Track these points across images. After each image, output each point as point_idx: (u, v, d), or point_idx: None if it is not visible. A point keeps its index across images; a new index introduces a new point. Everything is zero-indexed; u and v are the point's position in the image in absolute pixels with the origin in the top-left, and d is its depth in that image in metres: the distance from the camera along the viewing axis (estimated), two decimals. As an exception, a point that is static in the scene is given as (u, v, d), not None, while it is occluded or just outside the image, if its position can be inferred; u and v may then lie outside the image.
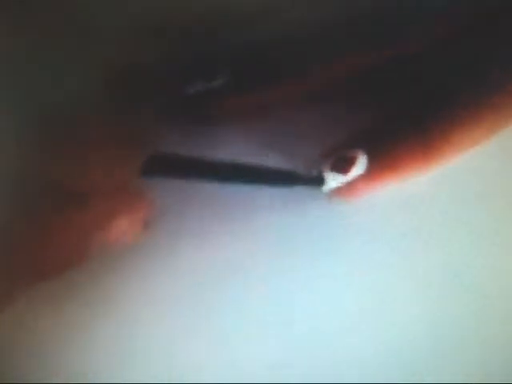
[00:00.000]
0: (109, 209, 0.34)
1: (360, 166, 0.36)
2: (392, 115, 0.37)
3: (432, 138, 0.36)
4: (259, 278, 0.37)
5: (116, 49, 0.37)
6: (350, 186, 0.36)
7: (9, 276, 0.33)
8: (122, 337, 0.36)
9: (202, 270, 0.37)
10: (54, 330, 0.36)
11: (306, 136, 0.38)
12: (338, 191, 0.37)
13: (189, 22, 0.37)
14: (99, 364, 0.36)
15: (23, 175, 0.34)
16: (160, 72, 0.37)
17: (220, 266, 0.37)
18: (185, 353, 0.36)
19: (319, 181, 0.36)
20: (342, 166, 0.36)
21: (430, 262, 0.38)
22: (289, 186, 0.37)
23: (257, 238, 0.38)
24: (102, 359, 0.36)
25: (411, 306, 0.37)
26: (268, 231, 0.38)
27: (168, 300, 0.37)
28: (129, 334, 0.36)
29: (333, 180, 0.36)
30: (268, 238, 0.38)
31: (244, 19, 0.37)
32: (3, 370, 0.36)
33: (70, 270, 0.34)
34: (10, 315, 0.35)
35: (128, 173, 0.34)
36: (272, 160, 0.37)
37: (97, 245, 0.34)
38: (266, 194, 0.38)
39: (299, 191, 0.37)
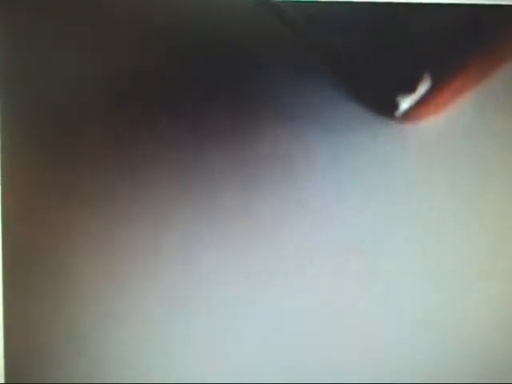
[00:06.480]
0: None
1: (425, 83, 0.37)
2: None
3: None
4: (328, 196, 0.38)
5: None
6: (415, 108, 0.38)
7: None
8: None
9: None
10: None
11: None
12: (406, 113, 0.38)
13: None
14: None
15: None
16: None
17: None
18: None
19: (392, 106, 0.37)
20: (409, 85, 0.37)
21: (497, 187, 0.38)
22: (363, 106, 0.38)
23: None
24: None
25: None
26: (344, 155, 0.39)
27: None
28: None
29: (403, 101, 0.37)
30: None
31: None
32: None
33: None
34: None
35: None
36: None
37: None
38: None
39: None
